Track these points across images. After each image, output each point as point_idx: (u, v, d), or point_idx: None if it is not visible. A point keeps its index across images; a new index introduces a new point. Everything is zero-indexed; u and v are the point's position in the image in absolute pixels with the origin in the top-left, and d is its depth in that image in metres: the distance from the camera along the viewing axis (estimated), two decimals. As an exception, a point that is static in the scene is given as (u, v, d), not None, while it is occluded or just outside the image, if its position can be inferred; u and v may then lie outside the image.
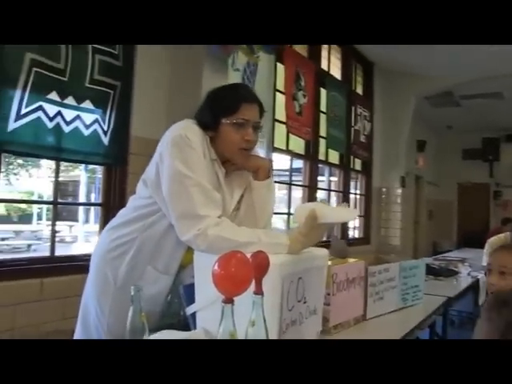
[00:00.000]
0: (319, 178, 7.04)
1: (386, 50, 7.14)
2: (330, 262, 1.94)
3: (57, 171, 3.61)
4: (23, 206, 15.14)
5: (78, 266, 3.18)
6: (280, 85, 5.54)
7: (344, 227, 7.59)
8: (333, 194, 7.58)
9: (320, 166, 6.93)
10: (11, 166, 13.68)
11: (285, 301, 1.48)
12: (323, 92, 6.70)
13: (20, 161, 13.81)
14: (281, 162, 6.66)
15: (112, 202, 3.76)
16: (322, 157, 6.90)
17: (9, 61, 2.90)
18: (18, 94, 2.96)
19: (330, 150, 7.01)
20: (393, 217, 8.62)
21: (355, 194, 8.23)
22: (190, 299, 1.67)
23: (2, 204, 13.16)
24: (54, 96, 3.17)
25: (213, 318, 1.24)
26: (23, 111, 2.99)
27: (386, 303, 2.27)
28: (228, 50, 4.16)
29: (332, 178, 7.62)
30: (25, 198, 13.91)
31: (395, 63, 7.78)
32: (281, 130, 5.69)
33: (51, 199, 3.68)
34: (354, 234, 8.34)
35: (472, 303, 4.04)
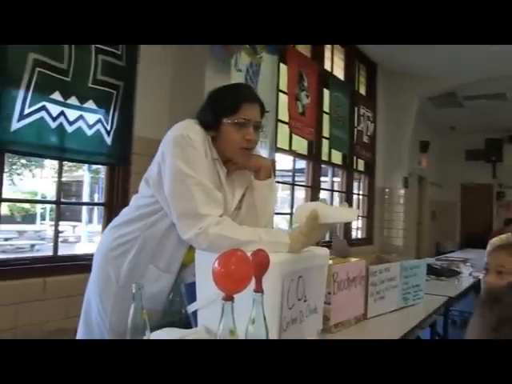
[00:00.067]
0: (322, 179, 7.04)
1: (389, 51, 7.14)
2: (331, 261, 1.95)
3: (60, 171, 3.63)
4: (27, 206, 15.18)
5: (81, 265, 3.19)
6: (283, 85, 5.54)
7: (347, 227, 7.59)
8: (336, 194, 7.57)
9: (323, 166, 6.93)
10: (15, 167, 13.73)
11: (285, 299, 1.48)
12: (326, 92, 6.71)
13: (23, 161, 13.86)
14: (284, 162, 6.66)
15: (115, 202, 3.77)
16: (324, 157, 6.90)
17: (12, 61, 2.91)
18: (21, 93, 2.97)
19: (332, 151, 7.01)
20: (396, 217, 8.62)
21: (358, 194, 8.23)
22: (192, 298, 1.68)
23: (6, 204, 13.21)
24: (57, 96, 3.18)
25: (214, 316, 1.24)
26: (26, 111, 3.00)
27: (386, 302, 2.28)
28: (230, 51, 4.17)
29: (335, 179, 7.62)
30: (28, 198, 13.94)
31: (398, 64, 7.78)
32: (284, 131, 5.68)
33: (54, 199, 3.70)
34: (356, 234, 8.34)
35: (473, 303, 4.04)
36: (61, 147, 3.28)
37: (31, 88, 3.01)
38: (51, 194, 10.62)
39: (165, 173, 1.71)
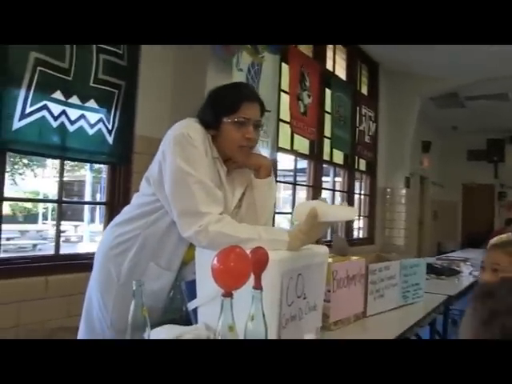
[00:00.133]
0: (324, 179, 7.05)
1: (391, 51, 7.14)
2: (330, 260, 1.96)
3: (61, 170, 3.64)
4: (29, 205, 15.21)
5: (83, 264, 3.19)
6: (285, 85, 5.55)
7: (348, 227, 7.61)
8: (337, 194, 7.57)
9: (324, 166, 6.93)
10: (16, 166, 13.74)
11: (284, 296, 1.49)
12: (328, 92, 6.72)
13: (25, 161, 13.88)
14: (285, 162, 6.67)
15: (116, 201, 3.78)
16: (326, 157, 6.90)
17: (13, 60, 2.93)
18: (22, 93, 2.98)
19: (334, 150, 7.02)
20: (397, 217, 8.62)
21: (360, 194, 8.23)
22: (192, 295, 1.69)
23: (8, 204, 13.23)
24: (58, 95, 3.19)
25: (214, 313, 1.25)
26: (28, 110, 3.01)
27: (386, 301, 2.29)
28: (231, 51, 4.18)
29: (337, 179, 7.63)
30: (30, 197, 13.96)
31: (400, 64, 7.78)
32: (285, 130, 5.70)
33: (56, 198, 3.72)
34: (358, 234, 8.35)
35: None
36: (62, 146, 3.29)
37: (32, 87, 3.02)
38: (53, 194, 10.63)
39: (165, 171, 1.72)
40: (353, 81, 7.55)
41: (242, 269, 1.21)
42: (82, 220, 12.42)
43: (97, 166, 4.94)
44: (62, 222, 3.99)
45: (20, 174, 14.26)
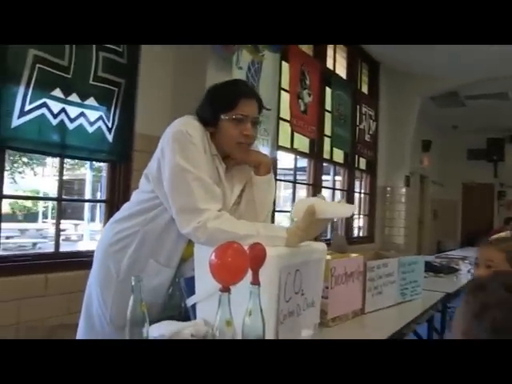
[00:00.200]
0: (324, 177, 7.06)
1: (391, 50, 7.14)
2: (329, 257, 1.97)
3: (61, 168, 3.65)
4: (29, 204, 15.20)
5: (83, 261, 3.20)
6: (285, 83, 5.55)
7: (348, 225, 7.62)
8: (337, 192, 7.58)
9: (325, 164, 6.93)
10: (16, 165, 13.74)
11: (282, 292, 1.50)
12: (328, 91, 6.72)
13: (25, 159, 13.88)
14: (285, 160, 6.68)
15: (116, 199, 3.79)
16: (326, 155, 6.91)
17: (12, 57, 2.92)
18: (21, 90, 2.97)
19: (334, 149, 7.02)
20: (397, 216, 8.63)
21: (360, 192, 8.24)
22: (191, 292, 1.70)
23: (7, 202, 13.24)
24: (57, 93, 3.18)
25: (212, 310, 1.26)
26: (27, 108, 3.01)
27: (384, 297, 2.30)
28: (231, 49, 4.19)
29: (337, 177, 7.63)
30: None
31: (401, 63, 7.79)
32: (285, 129, 5.70)
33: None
34: (358, 232, 8.36)
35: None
36: (62, 144, 3.29)
37: (31, 84, 3.01)
38: (53, 193, 10.65)
39: (164, 168, 1.73)
40: (353, 79, 7.55)
41: (240, 264, 1.22)
42: (82, 219, 12.42)
43: (97, 164, 4.94)
44: (63, 221, 4.00)
45: (20, 172, 14.27)
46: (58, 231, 3.65)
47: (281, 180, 6.71)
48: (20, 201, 14.53)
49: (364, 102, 7.80)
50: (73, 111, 3.30)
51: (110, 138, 3.61)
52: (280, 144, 5.56)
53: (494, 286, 0.89)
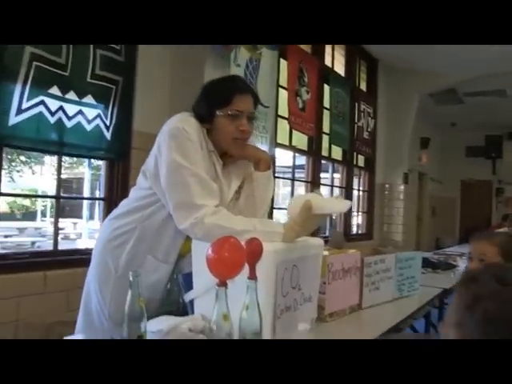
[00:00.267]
0: (322, 175, 7.06)
1: (390, 48, 7.12)
2: (327, 252, 1.98)
3: (59, 166, 3.65)
4: (27, 203, 15.19)
5: (81, 259, 3.22)
6: (283, 81, 5.55)
7: (347, 223, 7.63)
8: (336, 190, 7.58)
9: (323, 162, 6.94)
10: (14, 163, 13.72)
11: (279, 287, 1.51)
12: (326, 88, 6.71)
13: (23, 158, 13.86)
14: (284, 158, 6.68)
15: (114, 197, 3.79)
16: (325, 153, 6.91)
17: (8, 54, 2.91)
18: (18, 88, 2.96)
19: (333, 146, 7.02)
20: (395, 213, 8.64)
21: (358, 190, 8.24)
22: (189, 287, 1.71)
23: (6, 202, 13.21)
24: (55, 91, 3.18)
25: (210, 305, 1.27)
26: (24, 106, 3.00)
27: (381, 293, 2.30)
28: (229, 47, 4.19)
29: (335, 175, 7.63)
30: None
31: (399, 60, 7.78)
32: (284, 126, 5.70)
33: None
34: (357, 229, 8.37)
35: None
36: (60, 142, 3.29)
37: (29, 82, 3.00)
38: (51, 191, 10.64)
39: (161, 165, 1.74)
40: (351, 77, 7.55)
41: (236, 258, 1.23)
42: (80, 217, 12.41)
43: (96, 163, 4.93)
44: (61, 220, 4.00)
45: (18, 171, 14.24)
46: (57, 229, 3.65)
47: (279, 177, 6.71)
48: (18, 200, 14.52)
49: (362, 99, 7.79)
50: (70, 109, 3.30)
51: (108, 135, 3.61)
52: (278, 141, 5.56)
53: (485, 278, 0.90)
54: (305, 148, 6.46)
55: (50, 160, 12.32)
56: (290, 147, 6.02)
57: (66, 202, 11.41)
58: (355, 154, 7.79)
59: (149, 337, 1.40)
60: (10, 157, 12.48)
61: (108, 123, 3.60)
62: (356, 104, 7.55)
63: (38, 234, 11.77)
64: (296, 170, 6.53)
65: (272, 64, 5.21)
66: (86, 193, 6.75)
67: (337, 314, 2.00)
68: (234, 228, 1.58)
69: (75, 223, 12.59)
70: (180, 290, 1.83)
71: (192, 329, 1.51)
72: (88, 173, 10.17)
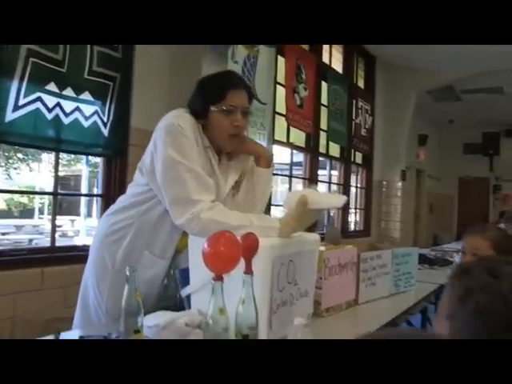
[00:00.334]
0: (320, 172, 7.06)
1: (387, 45, 7.12)
2: (323, 248, 1.99)
3: (56, 163, 3.65)
4: (24, 200, 15.15)
5: (79, 255, 3.21)
6: (281, 78, 5.55)
7: (344, 219, 7.64)
8: (334, 187, 7.58)
9: (321, 159, 6.94)
10: (11, 161, 13.68)
11: (275, 282, 1.52)
12: (324, 85, 6.71)
13: (20, 155, 13.83)
14: (282, 155, 6.69)
15: (112, 193, 3.78)
16: (322, 150, 6.91)
17: (5, 51, 2.90)
18: (15, 84, 2.95)
19: (330, 143, 7.02)
20: (393, 210, 8.67)
21: (356, 187, 8.25)
22: (186, 283, 1.72)
23: (3, 199, 13.18)
24: (52, 87, 3.17)
25: (206, 300, 1.27)
26: (21, 102, 2.99)
27: (378, 289, 2.32)
28: (227, 46, 4.20)
29: (333, 172, 7.64)
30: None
31: (397, 57, 7.78)
32: (281, 123, 5.70)
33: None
34: (355, 226, 8.38)
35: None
36: (57, 139, 3.28)
37: (25, 78, 2.99)
38: (49, 189, 10.62)
39: (157, 161, 1.74)
40: (349, 74, 7.56)
41: (232, 253, 1.24)
42: (78, 214, 12.39)
43: (93, 160, 4.92)
44: (59, 217, 4.00)
45: (15, 168, 14.20)
46: (54, 225, 3.65)
47: (277, 174, 6.71)
48: (16, 197, 14.48)
49: (360, 96, 7.80)
50: (68, 105, 3.29)
51: (105, 132, 3.61)
52: (276, 138, 5.57)
53: (477, 271, 0.91)
54: (302, 145, 6.47)
55: (48, 157, 12.29)
56: (288, 144, 6.02)
57: (63, 199, 11.37)
58: (353, 151, 7.79)
59: (145, 332, 1.40)
60: (7, 154, 12.46)
61: (105, 120, 3.60)
62: (354, 101, 7.56)
63: (35, 232, 11.74)
64: (294, 167, 6.53)
65: (269, 61, 5.20)
66: (84, 190, 6.74)
67: (333, 309, 2.01)
68: (230, 223, 1.58)
69: (73, 221, 12.57)
70: (177, 286, 1.84)
71: (188, 323, 1.51)
72: (86, 170, 10.14)
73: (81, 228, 11.52)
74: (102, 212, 3.82)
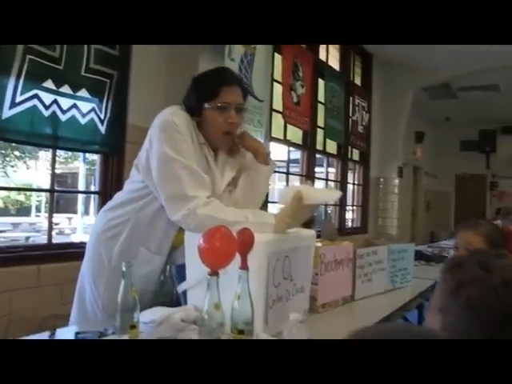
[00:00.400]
0: (317, 169, 7.07)
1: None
2: (319, 244, 2.00)
3: (53, 160, 3.64)
4: (21, 198, 15.12)
5: (75, 252, 3.21)
6: (277, 75, 5.55)
7: (341, 216, 7.65)
8: (331, 184, 7.59)
9: (318, 156, 6.94)
10: (8, 158, 13.66)
11: (271, 277, 1.52)
12: (321, 82, 6.72)
13: (17, 153, 13.80)
14: (278, 153, 6.69)
15: (109, 190, 3.78)
16: (319, 147, 6.92)
17: (2, 48, 2.89)
18: (12, 81, 2.94)
19: (327, 141, 7.02)
20: (390, 207, 8.67)
21: (353, 184, 8.26)
22: (182, 278, 1.72)
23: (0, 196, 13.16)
24: (49, 84, 3.16)
25: (202, 296, 1.28)
26: (18, 99, 2.98)
27: (374, 285, 2.32)
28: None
29: (330, 169, 7.65)
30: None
31: (394, 55, 7.78)
32: (278, 120, 5.71)
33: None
34: (352, 223, 8.39)
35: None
36: (54, 136, 3.28)
37: (22, 76, 2.98)
38: (46, 186, 10.59)
39: (152, 158, 1.75)
40: (346, 71, 7.56)
41: (227, 248, 1.25)
42: (75, 212, 12.37)
43: (90, 157, 4.93)
44: (56, 215, 4.00)
45: (12, 166, 14.17)
46: (51, 222, 3.65)
47: (274, 171, 6.70)
48: (12, 195, 14.46)
49: (357, 93, 7.80)
50: (65, 103, 3.29)
51: (102, 129, 3.60)
52: (273, 135, 5.57)
53: (469, 264, 0.92)
54: (299, 142, 6.47)
55: (45, 155, 12.27)
56: (285, 141, 6.03)
57: (60, 196, 11.37)
58: (350, 148, 7.80)
59: (141, 327, 1.41)
60: (4, 151, 12.43)
61: (102, 117, 3.59)
62: (350, 98, 7.56)
63: (32, 230, 11.72)
64: (291, 165, 6.53)
65: (266, 58, 5.20)
66: (81, 187, 6.73)
67: (329, 304, 2.02)
68: (226, 219, 1.59)
69: (70, 218, 12.56)
70: (173, 282, 1.84)
71: (184, 319, 1.52)
72: (83, 167, 10.14)
73: (78, 226, 11.53)
74: (99, 209, 3.82)
